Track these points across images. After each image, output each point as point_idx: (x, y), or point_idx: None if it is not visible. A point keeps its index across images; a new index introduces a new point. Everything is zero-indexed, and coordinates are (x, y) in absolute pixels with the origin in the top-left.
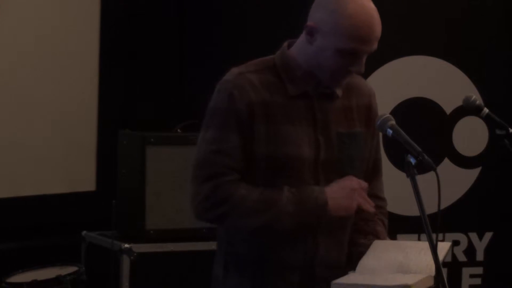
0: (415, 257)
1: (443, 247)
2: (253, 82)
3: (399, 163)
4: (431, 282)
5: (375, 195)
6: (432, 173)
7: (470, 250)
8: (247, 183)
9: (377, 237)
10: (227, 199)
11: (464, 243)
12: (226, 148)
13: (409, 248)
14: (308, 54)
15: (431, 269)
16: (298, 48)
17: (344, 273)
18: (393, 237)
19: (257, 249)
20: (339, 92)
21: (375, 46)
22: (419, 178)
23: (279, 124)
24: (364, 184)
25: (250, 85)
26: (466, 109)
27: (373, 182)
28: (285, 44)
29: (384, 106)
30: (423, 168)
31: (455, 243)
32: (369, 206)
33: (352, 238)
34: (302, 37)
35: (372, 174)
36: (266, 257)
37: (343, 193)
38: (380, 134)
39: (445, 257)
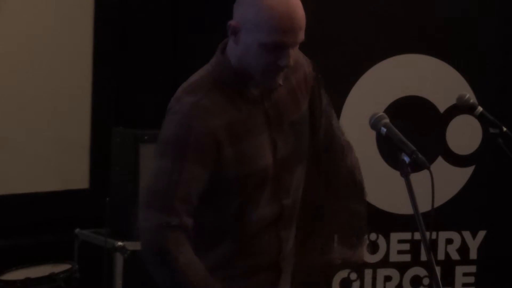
0: None
1: None
2: (208, 109)
3: (393, 161)
4: None
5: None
6: (425, 172)
7: (463, 249)
8: (219, 206)
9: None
10: (162, 253)
11: (457, 242)
12: (181, 180)
13: None
14: (237, 55)
15: None
16: (229, 51)
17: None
18: (387, 235)
19: (224, 258)
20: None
21: (300, 36)
22: (413, 176)
23: (242, 141)
24: None
25: (207, 113)
26: (460, 108)
27: (334, 139)
28: (219, 48)
29: (378, 104)
30: (416, 166)
31: (449, 241)
32: None
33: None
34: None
35: (327, 140)
36: (234, 264)
37: None
38: (374, 133)
39: None
